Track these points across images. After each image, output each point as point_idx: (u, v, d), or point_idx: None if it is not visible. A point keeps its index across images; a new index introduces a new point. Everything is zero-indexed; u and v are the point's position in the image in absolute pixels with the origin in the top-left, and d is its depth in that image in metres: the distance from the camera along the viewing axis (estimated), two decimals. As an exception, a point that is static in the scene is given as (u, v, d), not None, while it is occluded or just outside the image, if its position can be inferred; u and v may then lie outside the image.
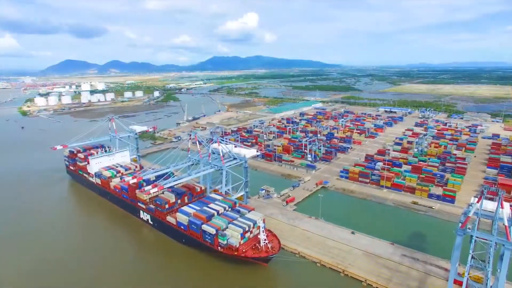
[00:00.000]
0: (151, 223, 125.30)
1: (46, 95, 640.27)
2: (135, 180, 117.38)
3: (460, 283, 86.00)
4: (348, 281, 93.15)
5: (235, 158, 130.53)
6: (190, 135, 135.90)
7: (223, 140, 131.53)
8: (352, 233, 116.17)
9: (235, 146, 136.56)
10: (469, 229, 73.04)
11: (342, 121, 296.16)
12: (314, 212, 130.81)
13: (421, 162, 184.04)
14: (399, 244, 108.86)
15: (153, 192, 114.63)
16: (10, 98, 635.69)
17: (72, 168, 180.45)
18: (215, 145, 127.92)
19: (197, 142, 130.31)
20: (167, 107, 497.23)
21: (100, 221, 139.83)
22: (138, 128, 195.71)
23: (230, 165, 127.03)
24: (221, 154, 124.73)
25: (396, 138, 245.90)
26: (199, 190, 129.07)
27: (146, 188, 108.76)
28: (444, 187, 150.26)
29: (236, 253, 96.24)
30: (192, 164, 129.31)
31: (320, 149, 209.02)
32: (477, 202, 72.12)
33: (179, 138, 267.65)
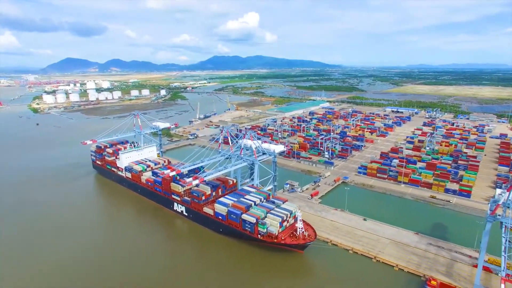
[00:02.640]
0: (186, 214, 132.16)
1: (53, 93, 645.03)
2: (174, 173, 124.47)
3: (486, 269, 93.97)
4: (381, 266, 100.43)
5: (264, 153, 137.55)
6: (222, 131, 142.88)
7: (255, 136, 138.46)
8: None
9: (263, 142, 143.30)
10: (499, 215, 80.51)
11: (353, 120, 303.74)
12: (338, 204, 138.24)
13: (434, 160, 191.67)
14: (423, 234, 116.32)
15: (194, 184, 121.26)
16: (17, 96, 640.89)
17: (99, 162, 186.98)
18: (246, 141, 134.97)
19: (229, 137, 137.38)
20: (175, 105, 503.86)
21: (132, 213, 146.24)
22: (162, 125, 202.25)
23: (261, 159, 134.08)
24: (254, 149, 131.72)
25: (408, 137, 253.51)
26: (231, 183, 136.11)
27: (188, 180, 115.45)
28: (460, 182, 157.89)
29: (275, 240, 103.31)
30: (227, 158, 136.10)
31: (335, 146, 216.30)
32: (507, 191, 79.51)
33: (195, 135, 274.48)
